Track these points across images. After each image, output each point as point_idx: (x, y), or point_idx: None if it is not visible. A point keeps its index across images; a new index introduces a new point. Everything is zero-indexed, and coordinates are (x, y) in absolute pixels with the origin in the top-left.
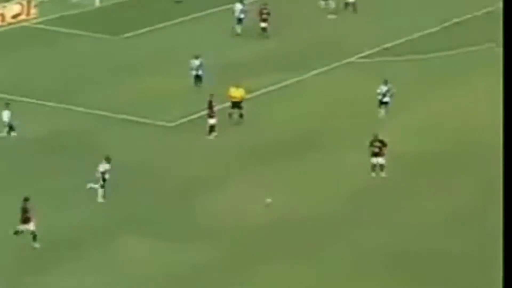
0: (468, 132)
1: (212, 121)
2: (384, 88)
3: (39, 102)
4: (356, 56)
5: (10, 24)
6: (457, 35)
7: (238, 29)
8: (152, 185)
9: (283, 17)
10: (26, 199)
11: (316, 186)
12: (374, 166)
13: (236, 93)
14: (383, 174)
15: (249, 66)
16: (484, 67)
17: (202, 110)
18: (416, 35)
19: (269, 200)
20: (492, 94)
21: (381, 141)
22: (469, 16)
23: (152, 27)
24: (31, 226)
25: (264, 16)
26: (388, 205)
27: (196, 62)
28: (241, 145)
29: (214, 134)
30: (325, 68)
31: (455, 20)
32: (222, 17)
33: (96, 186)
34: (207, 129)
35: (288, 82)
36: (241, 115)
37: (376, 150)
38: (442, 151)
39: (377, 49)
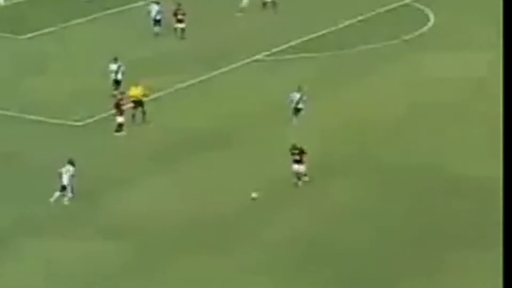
0: (371, 132)
1: (120, 119)
2: (297, 95)
3: None
4: (263, 54)
5: None
6: (363, 32)
7: (157, 29)
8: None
9: (198, 17)
10: None
11: (223, 184)
12: (295, 174)
13: (135, 91)
14: (304, 179)
15: (159, 65)
16: (390, 64)
17: (110, 109)
18: (322, 32)
19: (254, 194)
20: (397, 92)
21: (301, 149)
22: (373, 13)
23: (59, 26)
24: None
25: (180, 17)
26: (296, 203)
27: (114, 67)
28: (149, 145)
29: (122, 132)
30: (232, 66)
31: (360, 17)
32: (135, 16)
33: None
34: (115, 127)
35: (196, 80)
36: (143, 113)
37: (297, 157)
38: (347, 152)
39: (284, 46)
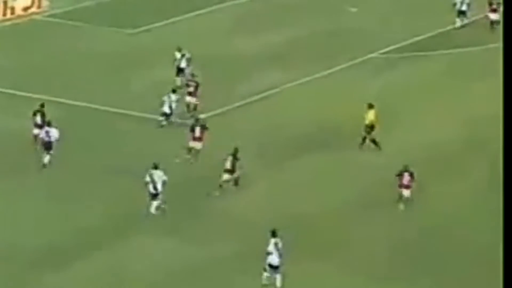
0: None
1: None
2: None
3: None
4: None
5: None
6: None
7: (458, 23)
8: None
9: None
10: None
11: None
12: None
13: (371, 115)
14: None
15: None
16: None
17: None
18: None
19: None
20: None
21: (411, 172)
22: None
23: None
24: None
25: (494, 7)
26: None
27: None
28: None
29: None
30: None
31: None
32: None
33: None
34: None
35: (309, 78)
36: (374, 140)
37: (404, 182)
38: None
39: (398, 45)
